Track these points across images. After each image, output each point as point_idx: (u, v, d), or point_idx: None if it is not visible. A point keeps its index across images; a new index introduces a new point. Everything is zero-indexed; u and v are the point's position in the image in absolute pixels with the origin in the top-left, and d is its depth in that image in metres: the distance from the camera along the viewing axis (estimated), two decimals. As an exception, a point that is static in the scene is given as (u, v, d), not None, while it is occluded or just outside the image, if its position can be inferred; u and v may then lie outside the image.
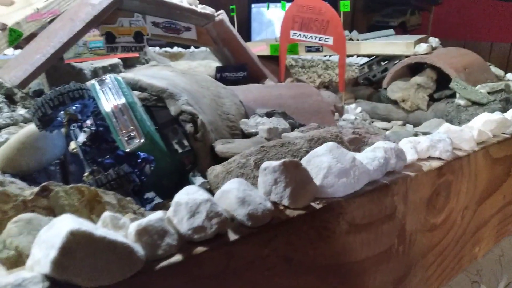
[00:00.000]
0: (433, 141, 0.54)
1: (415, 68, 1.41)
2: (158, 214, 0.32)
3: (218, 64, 1.49)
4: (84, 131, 0.58)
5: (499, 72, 1.35)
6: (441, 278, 0.58)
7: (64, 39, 0.97)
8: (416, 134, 1.21)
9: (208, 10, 1.20)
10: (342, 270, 0.43)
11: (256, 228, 0.35)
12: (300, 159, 0.53)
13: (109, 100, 0.57)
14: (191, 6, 1.15)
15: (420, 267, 0.54)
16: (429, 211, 0.52)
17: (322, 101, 0.91)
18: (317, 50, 1.54)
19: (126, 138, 0.55)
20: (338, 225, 0.41)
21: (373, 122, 1.40)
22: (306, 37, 1.48)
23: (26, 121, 0.90)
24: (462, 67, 1.27)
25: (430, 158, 0.53)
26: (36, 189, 0.37)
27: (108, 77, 0.60)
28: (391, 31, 1.55)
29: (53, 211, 0.37)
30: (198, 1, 1.19)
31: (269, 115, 0.83)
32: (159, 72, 0.74)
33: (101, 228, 0.29)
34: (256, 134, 0.73)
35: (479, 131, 0.59)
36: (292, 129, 0.77)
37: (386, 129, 1.34)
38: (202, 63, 1.46)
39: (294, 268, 0.38)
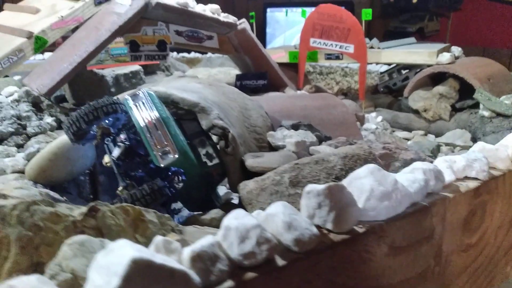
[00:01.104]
0: (469, 160, 0.54)
1: (436, 78, 1.39)
2: (209, 239, 0.32)
3: (238, 71, 1.49)
4: (119, 146, 0.59)
5: (524, 82, 1.33)
6: (474, 298, 0.58)
7: (90, 48, 0.98)
8: (439, 145, 1.20)
9: (231, 19, 1.21)
10: (381, 293, 0.42)
11: (302, 253, 0.35)
12: (335, 177, 0.53)
13: (143, 115, 0.58)
14: (214, 15, 1.16)
15: (454, 287, 0.53)
16: (464, 231, 0.52)
17: (347, 112, 0.91)
18: (337, 57, 1.54)
19: (161, 153, 0.56)
20: (379, 248, 0.41)
21: (394, 131, 1.39)
22: (326, 45, 1.48)
23: (53, 129, 0.91)
24: (486, 78, 1.26)
25: (466, 178, 0.53)
26: (84, 209, 0.37)
27: (141, 92, 0.61)
28: (413, 39, 1.54)
29: (101, 231, 0.37)
30: (220, 10, 1.20)
31: (295, 127, 0.82)
32: (187, 84, 0.74)
33: (157, 254, 0.29)
34: (283, 147, 0.73)
35: (513, 150, 0.59)
36: (319, 142, 0.77)
37: (408, 139, 1.33)
38: (222, 70, 1.46)
39: (337, 291, 0.38)
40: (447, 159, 0.54)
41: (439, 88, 1.34)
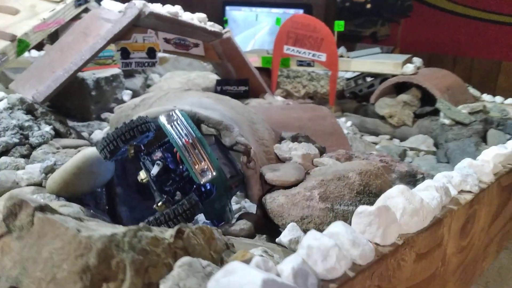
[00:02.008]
0: (463, 175, 0.64)
1: (399, 86, 1.53)
2: (298, 257, 0.38)
3: (215, 75, 1.54)
4: (158, 164, 0.62)
5: (476, 92, 1.50)
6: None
7: (86, 56, 0.99)
8: (405, 150, 1.33)
9: (216, 27, 1.25)
10: (408, 292, 0.51)
11: (365, 265, 0.42)
12: (356, 192, 0.60)
13: (180, 135, 0.62)
14: (202, 24, 1.19)
15: (451, 284, 0.63)
16: (461, 236, 0.62)
17: (336, 123, 1.00)
18: (308, 64, 1.63)
19: (200, 171, 0.60)
20: (410, 256, 0.49)
21: (362, 136, 1.50)
22: (299, 52, 1.57)
23: (52, 138, 0.91)
24: (445, 88, 1.40)
25: (462, 191, 0.63)
26: (173, 231, 0.42)
27: (174, 113, 0.65)
28: (377, 49, 1.66)
29: (187, 251, 0.42)
30: (207, 19, 1.23)
31: (294, 138, 0.90)
32: (201, 100, 0.79)
33: (268, 272, 0.35)
34: (290, 159, 0.80)
35: (494, 165, 0.70)
36: (320, 154, 0.85)
37: (375, 143, 1.45)
38: (200, 75, 1.50)
39: (381, 294, 0.45)
40: (446, 175, 0.64)
41: (403, 97, 1.47)
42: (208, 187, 0.65)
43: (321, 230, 0.59)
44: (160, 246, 0.39)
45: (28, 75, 1.05)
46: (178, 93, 0.85)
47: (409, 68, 1.45)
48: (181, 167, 0.64)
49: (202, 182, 0.60)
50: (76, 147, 0.93)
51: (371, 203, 0.62)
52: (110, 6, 1.12)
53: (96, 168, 0.71)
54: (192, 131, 0.63)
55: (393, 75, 1.50)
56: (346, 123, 1.50)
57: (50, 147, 0.85)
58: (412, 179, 0.76)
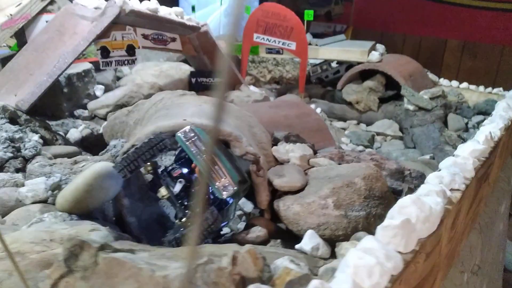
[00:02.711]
0: (452, 175, 0.72)
1: (364, 72, 1.61)
2: (348, 277, 0.43)
3: (187, 66, 1.53)
4: (180, 182, 0.65)
5: (434, 78, 1.61)
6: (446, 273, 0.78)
7: (69, 59, 0.96)
8: (373, 135, 1.42)
9: (193, 22, 1.25)
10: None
11: (396, 275, 0.48)
12: (364, 197, 0.67)
13: (199, 152, 0.64)
14: (180, 19, 1.19)
15: (442, 271, 0.72)
16: (451, 229, 0.71)
17: (320, 119, 1.05)
18: (277, 52, 1.66)
19: (222, 187, 0.63)
20: (421, 258, 0.56)
21: (331, 121, 1.58)
22: (269, 41, 1.59)
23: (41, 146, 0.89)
24: (408, 75, 1.50)
25: (452, 189, 0.71)
26: (229, 259, 0.45)
27: (190, 129, 0.66)
28: (342, 36, 1.72)
29: (241, 275, 0.46)
30: (183, 13, 1.22)
31: (286, 138, 0.94)
32: (200, 107, 0.80)
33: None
34: (288, 161, 0.85)
35: (473, 160, 0.79)
36: (314, 153, 0.90)
37: (344, 129, 1.53)
38: (173, 66, 1.49)
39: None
40: (437, 175, 0.71)
41: (369, 83, 1.56)
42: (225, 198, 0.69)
43: (337, 236, 0.65)
44: (223, 276, 0.43)
45: (3, 79, 1.01)
46: (174, 99, 0.85)
47: (375, 56, 1.53)
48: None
49: (224, 197, 0.64)
50: (67, 154, 0.92)
51: (377, 206, 0.68)
52: (83, 1, 1.08)
53: (106, 183, 0.71)
54: (210, 148, 0.65)
55: (359, 63, 1.58)
56: (316, 110, 1.56)
57: (44, 159, 0.84)
58: (401, 175, 0.83)
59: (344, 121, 1.59)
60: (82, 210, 0.71)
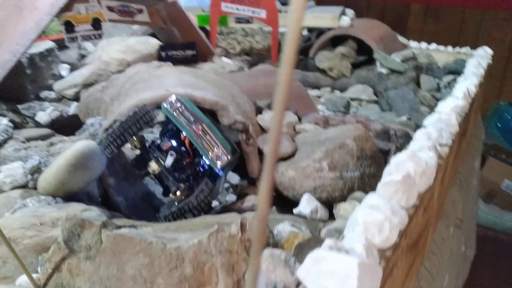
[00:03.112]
0: (439, 130, 0.73)
1: (335, 38, 1.60)
2: (360, 235, 0.43)
3: (155, 40, 1.47)
4: (171, 155, 0.62)
5: (404, 41, 1.62)
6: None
7: (33, 36, 0.89)
8: (348, 101, 1.43)
9: (161, -9, 1.19)
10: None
11: (403, 229, 0.49)
12: (356, 157, 0.67)
13: (189, 123, 0.61)
14: (147, -11, 1.13)
15: (433, 224, 0.74)
16: (441, 183, 0.72)
17: (301, 86, 1.04)
18: (247, 21, 1.63)
19: (215, 157, 0.61)
20: (420, 211, 0.57)
21: (306, 90, 1.57)
22: (238, 10, 1.55)
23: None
24: (379, 38, 1.50)
25: (440, 144, 0.72)
26: (237, 226, 0.44)
27: (176, 99, 0.64)
28: (312, 2, 1.70)
29: (250, 241, 0.44)
30: (149, -18, 1.16)
31: (269, 107, 0.92)
32: (181, 78, 0.77)
33: (353, 255, 0.39)
34: (274, 128, 0.84)
35: (455, 115, 0.80)
36: (299, 120, 0.89)
37: (319, 96, 1.53)
38: (140, 40, 1.42)
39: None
40: (425, 132, 0.72)
41: (341, 49, 1.55)
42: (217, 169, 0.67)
43: (333, 197, 0.65)
44: (235, 243, 0.42)
45: (-40, 61, 0.93)
46: (151, 71, 0.82)
47: (346, 21, 1.52)
48: (190, 153, 0.64)
49: (219, 168, 0.62)
50: (41, 137, 0.87)
51: (370, 165, 0.68)
52: (41, -27, 1.00)
53: (90, 163, 0.68)
54: (200, 117, 0.63)
55: (329, 28, 1.56)
56: (290, 79, 1.54)
57: (18, 143, 0.79)
58: (386, 135, 0.84)
59: (318, 88, 1.59)
60: (66, 193, 0.67)
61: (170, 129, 0.66)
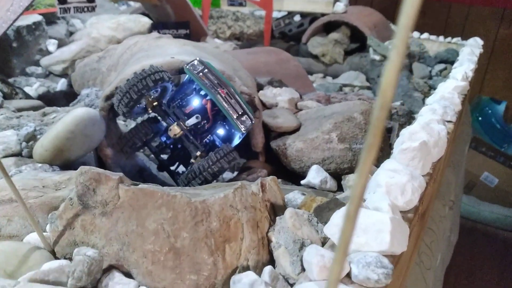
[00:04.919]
0: (443, 107, 0.73)
1: (328, 24, 1.59)
2: (384, 196, 0.42)
3: (147, 18, 1.43)
4: (197, 117, 0.59)
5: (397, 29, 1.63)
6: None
7: (24, 2, 0.85)
8: (341, 86, 1.42)
9: (156, -34, 1.16)
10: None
11: (422, 193, 0.48)
12: (364, 130, 0.66)
13: (213, 86, 0.59)
14: (142, -37, 1.09)
15: (433, 199, 0.75)
16: (445, 157, 0.72)
17: (299, 65, 1.03)
18: (240, 4, 1.60)
19: (240, 122, 0.59)
20: (432, 181, 0.57)
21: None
22: (232, -8, 1.53)
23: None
24: (373, 25, 1.50)
25: (446, 121, 0.72)
26: (257, 185, 0.42)
27: (198, 62, 0.61)
28: (304, -12, 1.68)
29: (270, 201, 0.43)
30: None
31: (270, 83, 0.91)
32: (183, 48, 0.75)
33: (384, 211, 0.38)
34: (276, 105, 0.82)
35: (458, 95, 0.80)
36: (300, 97, 0.88)
37: (312, 82, 1.52)
38: (131, 18, 1.38)
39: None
40: (431, 108, 0.72)
41: (334, 35, 1.55)
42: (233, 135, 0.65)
43: (342, 169, 0.64)
44: (258, 201, 0.40)
45: None
46: (151, 42, 0.79)
47: (340, 7, 1.51)
48: (210, 118, 0.61)
49: (243, 132, 0.60)
50: (32, 108, 0.83)
51: (377, 139, 0.68)
52: None
53: (90, 131, 0.65)
54: (224, 81, 0.60)
55: (323, 14, 1.56)
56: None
57: (9, 111, 0.75)
58: (388, 113, 0.84)
59: (310, 74, 1.58)
60: (64, 161, 0.64)
61: (189, 93, 0.63)
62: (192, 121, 0.58)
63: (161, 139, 0.68)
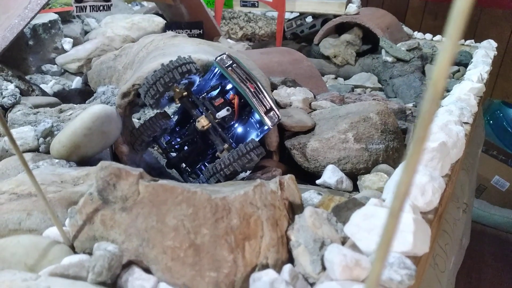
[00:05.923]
0: (460, 109, 0.72)
1: (340, 26, 1.59)
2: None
3: (160, 18, 1.44)
4: (228, 110, 0.59)
5: (409, 31, 1.62)
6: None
7: (42, 0, 0.86)
8: (353, 88, 1.42)
9: (171, -34, 1.16)
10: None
11: (441, 194, 0.48)
12: (380, 131, 0.66)
13: (243, 80, 0.59)
14: (157, -38, 1.10)
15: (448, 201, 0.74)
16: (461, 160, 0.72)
17: (312, 66, 1.02)
18: (253, 5, 1.60)
19: (267, 117, 0.59)
20: (449, 183, 0.56)
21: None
22: (244, -8, 1.53)
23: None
24: (385, 27, 1.50)
25: (463, 123, 0.71)
26: (276, 184, 0.42)
27: (227, 56, 0.61)
28: (317, -11, 1.68)
29: (288, 200, 0.43)
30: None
31: (283, 83, 0.91)
32: (199, 47, 0.75)
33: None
34: (290, 104, 0.82)
35: (474, 96, 0.80)
36: (314, 97, 0.88)
37: (324, 82, 1.52)
38: (145, 18, 1.39)
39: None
40: (447, 109, 0.71)
41: (346, 36, 1.54)
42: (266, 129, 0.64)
43: (358, 169, 0.64)
44: (276, 199, 0.40)
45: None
46: (167, 40, 0.79)
47: (353, 8, 1.51)
48: (235, 112, 0.61)
49: (271, 127, 0.60)
50: (48, 105, 0.84)
51: (393, 140, 0.67)
52: None
53: (106, 127, 0.65)
54: (252, 76, 0.60)
55: (335, 15, 1.55)
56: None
57: (26, 107, 0.76)
58: (403, 115, 0.83)
59: (322, 75, 1.57)
60: (81, 157, 0.65)
61: (216, 87, 0.63)
62: (222, 113, 0.58)
63: (168, 137, 0.69)
